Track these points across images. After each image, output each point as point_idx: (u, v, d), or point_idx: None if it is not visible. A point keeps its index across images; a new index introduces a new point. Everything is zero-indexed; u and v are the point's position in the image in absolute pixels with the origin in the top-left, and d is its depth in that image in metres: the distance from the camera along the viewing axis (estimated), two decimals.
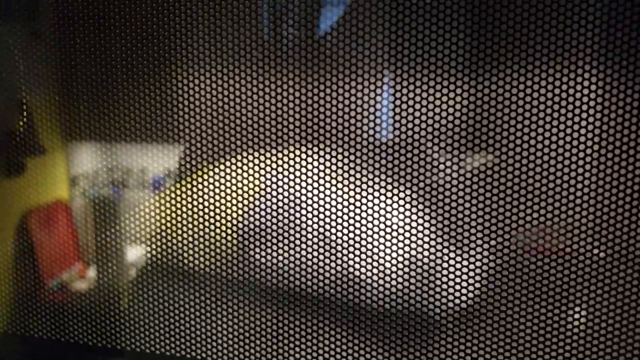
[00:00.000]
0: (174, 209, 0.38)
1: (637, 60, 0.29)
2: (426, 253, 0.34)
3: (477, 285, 0.33)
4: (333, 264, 0.35)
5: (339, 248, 0.35)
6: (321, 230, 0.35)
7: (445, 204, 0.33)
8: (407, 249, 0.34)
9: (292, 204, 0.35)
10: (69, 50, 0.39)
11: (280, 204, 0.36)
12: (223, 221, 0.37)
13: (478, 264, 0.33)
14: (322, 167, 0.34)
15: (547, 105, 0.30)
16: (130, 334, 0.39)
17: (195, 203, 0.37)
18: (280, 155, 0.35)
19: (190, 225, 0.38)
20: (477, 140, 0.32)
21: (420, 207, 0.34)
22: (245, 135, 0.35)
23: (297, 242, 0.35)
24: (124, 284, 0.42)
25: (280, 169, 0.35)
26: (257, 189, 0.36)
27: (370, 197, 0.34)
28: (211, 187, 0.37)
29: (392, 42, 0.31)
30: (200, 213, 0.37)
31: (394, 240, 0.34)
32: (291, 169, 0.34)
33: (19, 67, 0.41)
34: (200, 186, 0.37)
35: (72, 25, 0.39)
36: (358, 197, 0.34)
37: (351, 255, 0.34)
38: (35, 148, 0.43)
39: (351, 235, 0.34)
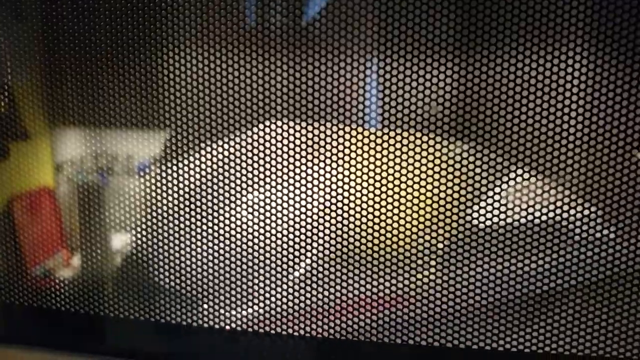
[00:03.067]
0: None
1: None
2: None
3: None
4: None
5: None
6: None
7: None
8: None
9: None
10: (54, 33, 0.38)
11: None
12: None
13: None
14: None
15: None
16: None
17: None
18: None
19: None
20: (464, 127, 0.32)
21: None
22: (231, 117, 0.35)
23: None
24: (110, 269, 0.41)
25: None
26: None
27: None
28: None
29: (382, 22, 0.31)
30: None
31: None
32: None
33: (3, 50, 0.40)
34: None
35: (57, 7, 0.38)
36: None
37: None
38: (18, 132, 0.42)
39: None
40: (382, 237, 0.34)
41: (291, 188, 0.35)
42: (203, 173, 0.37)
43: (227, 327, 0.37)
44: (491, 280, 0.33)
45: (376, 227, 0.34)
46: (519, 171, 0.32)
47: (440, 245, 0.34)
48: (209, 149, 0.36)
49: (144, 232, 0.39)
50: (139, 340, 0.40)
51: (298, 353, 0.36)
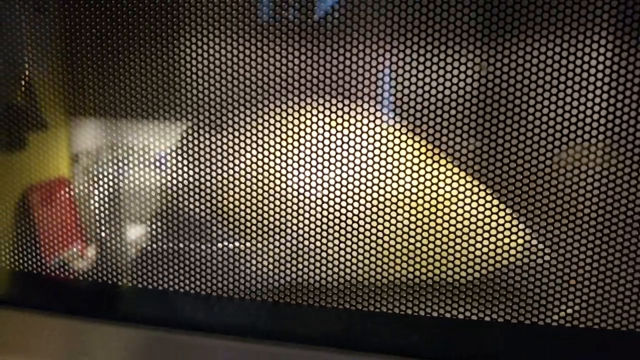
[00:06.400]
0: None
1: None
2: None
3: None
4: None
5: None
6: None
7: None
8: None
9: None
10: (72, 25, 0.39)
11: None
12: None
13: None
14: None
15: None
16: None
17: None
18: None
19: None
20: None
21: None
22: (249, 108, 0.35)
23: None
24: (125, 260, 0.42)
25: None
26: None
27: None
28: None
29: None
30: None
31: None
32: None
33: (24, 41, 0.41)
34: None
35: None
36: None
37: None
38: (37, 123, 0.43)
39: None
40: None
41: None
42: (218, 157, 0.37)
43: (236, 296, 0.38)
44: None
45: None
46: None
47: None
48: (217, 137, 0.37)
49: (159, 219, 0.39)
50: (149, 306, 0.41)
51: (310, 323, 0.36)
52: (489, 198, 0.32)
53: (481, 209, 0.32)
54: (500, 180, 0.32)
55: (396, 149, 0.33)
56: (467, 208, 0.33)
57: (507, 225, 0.32)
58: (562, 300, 0.32)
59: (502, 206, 0.32)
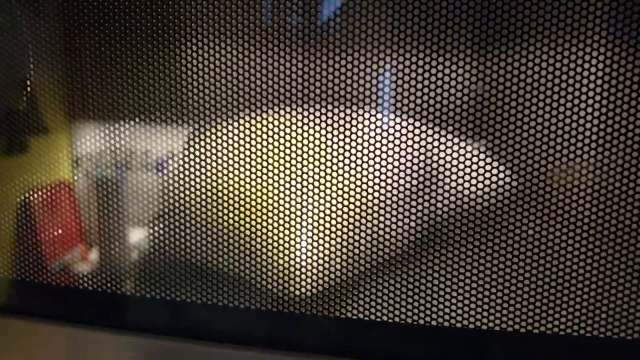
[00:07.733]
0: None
1: None
2: None
3: None
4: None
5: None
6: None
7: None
8: None
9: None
10: (73, 30, 0.39)
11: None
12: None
13: None
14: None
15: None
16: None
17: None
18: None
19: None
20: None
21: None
22: (249, 113, 0.35)
23: None
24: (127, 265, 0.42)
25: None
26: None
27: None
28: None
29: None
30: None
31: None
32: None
33: (24, 46, 0.41)
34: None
35: (77, 4, 0.38)
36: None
37: None
38: (38, 127, 0.43)
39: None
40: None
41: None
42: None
43: (242, 306, 0.38)
44: None
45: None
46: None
47: None
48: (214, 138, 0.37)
49: (162, 223, 0.39)
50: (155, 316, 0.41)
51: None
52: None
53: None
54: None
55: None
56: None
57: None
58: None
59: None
